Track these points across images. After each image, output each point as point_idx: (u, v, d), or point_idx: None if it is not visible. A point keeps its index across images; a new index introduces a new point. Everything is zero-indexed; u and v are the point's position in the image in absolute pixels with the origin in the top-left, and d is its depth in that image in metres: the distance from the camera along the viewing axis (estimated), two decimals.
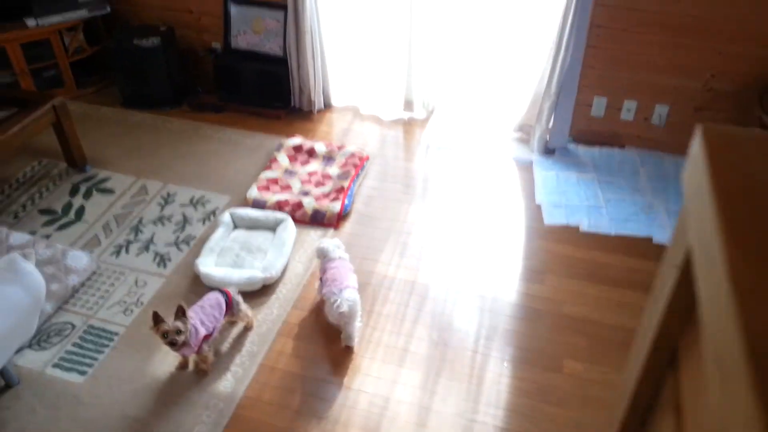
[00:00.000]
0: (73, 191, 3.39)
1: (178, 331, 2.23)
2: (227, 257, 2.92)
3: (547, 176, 3.50)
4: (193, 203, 3.31)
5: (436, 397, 2.37)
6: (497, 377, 2.44)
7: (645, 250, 3.03)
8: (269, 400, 2.35)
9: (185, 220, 3.20)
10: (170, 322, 2.23)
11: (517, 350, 2.55)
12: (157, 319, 2.23)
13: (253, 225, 3.09)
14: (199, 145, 3.78)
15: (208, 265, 2.84)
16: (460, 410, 2.32)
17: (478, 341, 2.59)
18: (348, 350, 2.54)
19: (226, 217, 3.08)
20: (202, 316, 2.37)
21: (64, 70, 4.10)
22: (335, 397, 2.37)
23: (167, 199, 3.33)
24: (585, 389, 2.39)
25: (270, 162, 3.57)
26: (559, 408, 2.32)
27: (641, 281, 2.86)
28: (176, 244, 3.05)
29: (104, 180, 3.47)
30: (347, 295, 2.45)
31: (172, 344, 2.24)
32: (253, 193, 3.31)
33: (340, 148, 3.66)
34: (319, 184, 3.44)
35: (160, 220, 3.20)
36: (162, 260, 2.96)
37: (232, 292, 2.52)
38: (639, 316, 2.69)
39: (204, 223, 3.18)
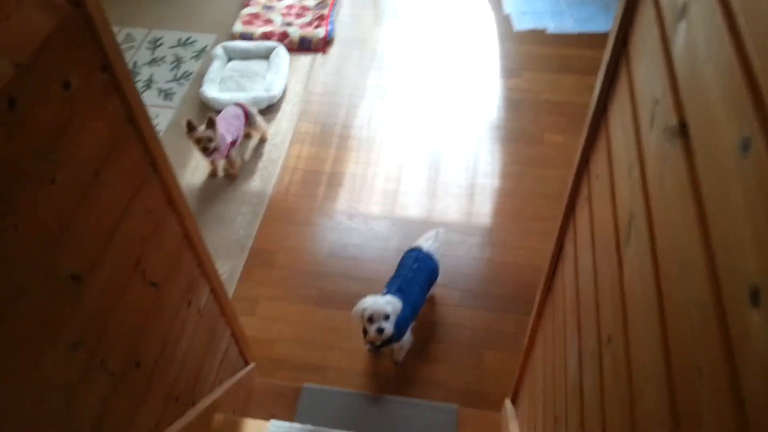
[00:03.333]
0: None
1: (210, 139, 2.48)
2: (229, 84, 3.11)
3: None
4: (182, 44, 3.44)
5: (441, 172, 2.73)
6: (490, 153, 2.80)
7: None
8: (297, 192, 2.67)
9: (178, 60, 3.34)
10: (202, 130, 2.47)
11: (503, 131, 2.90)
12: (190, 127, 2.46)
13: (247, 55, 3.26)
14: None
15: (213, 92, 3.04)
16: (462, 180, 2.69)
17: (470, 126, 2.92)
18: (359, 149, 2.84)
19: (219, 50, 3.24)
20: (226, 125, 2.61)
21: None
22: (353, 183, 2.70)
23: (155, 44, 3.45)
24: (567, 154, 2.78)
25: None
26: (545, 169, 2.72)
27: None
28: (176, 80, 3.22)
29: None
30: None
31: (205, 150, 2.50)
32: (239, 27, 3.45)
33: None
34: (299, 15, 3.58)
35: (154, 61, 3.34)
36: (167, 95, 3.14)
37: (246, 104, 2.75)
38: None
39: (197, 60, 3.34)
